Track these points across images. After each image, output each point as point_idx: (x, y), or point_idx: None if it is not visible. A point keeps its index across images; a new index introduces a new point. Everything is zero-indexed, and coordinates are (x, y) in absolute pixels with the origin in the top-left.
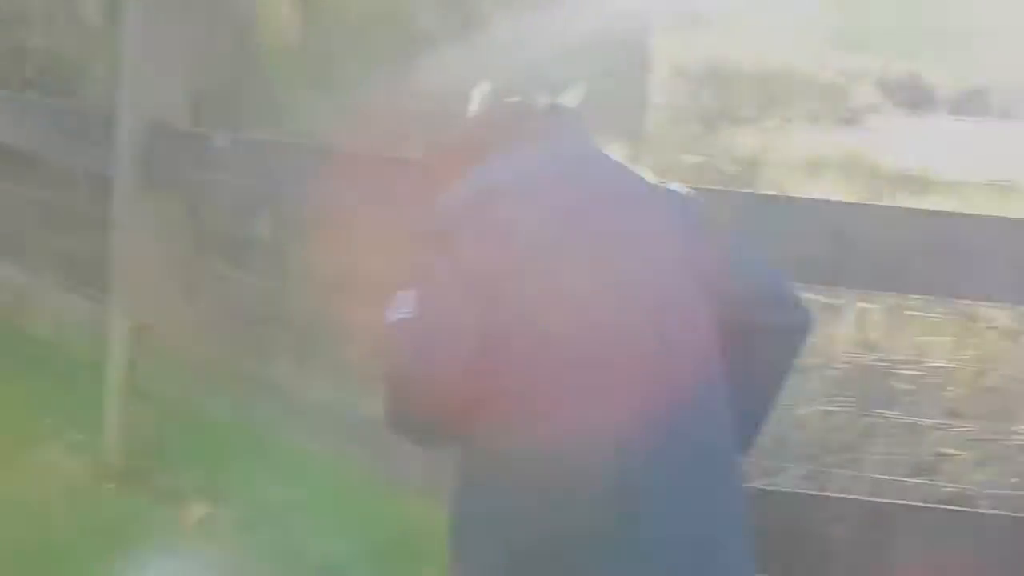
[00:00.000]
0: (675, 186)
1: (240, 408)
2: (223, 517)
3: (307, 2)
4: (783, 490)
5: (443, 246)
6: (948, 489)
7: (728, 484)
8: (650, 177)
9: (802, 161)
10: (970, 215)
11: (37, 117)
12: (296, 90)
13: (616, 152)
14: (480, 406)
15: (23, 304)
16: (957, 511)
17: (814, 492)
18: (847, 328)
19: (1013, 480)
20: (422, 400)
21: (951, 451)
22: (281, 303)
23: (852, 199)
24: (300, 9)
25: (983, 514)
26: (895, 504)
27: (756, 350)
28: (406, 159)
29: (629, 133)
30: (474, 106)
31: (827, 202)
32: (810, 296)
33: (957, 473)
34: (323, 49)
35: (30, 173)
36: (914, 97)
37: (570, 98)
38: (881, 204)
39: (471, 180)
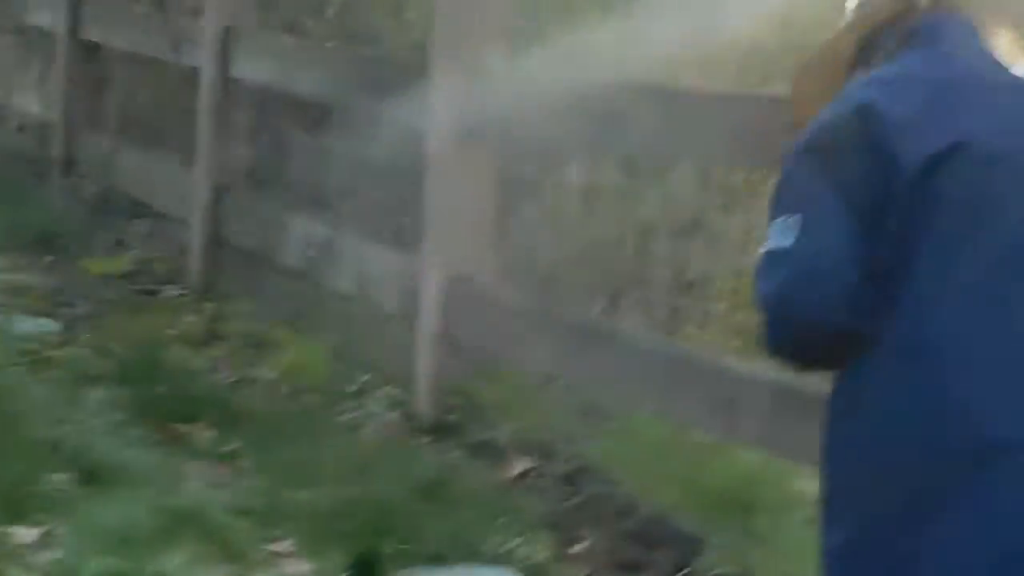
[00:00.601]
0: None
1: (554, 358)
2: (544, 471)
3: None
4: None
5: (826, 167)
6: None
7: None
8: None
9: None
10: None
11: (342, 67)
12: (607, 31)
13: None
14: (866, 340)
15: (327, 258)
16: None
17: None
18: None
19: None
20: (805, 333)
21: None
22: (595, 251)
23: None
24: None
25: None
26: None
27: None
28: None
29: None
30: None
31: None
32: None
33: None
34: None
35: (330, 125)
36: None
37: None
38: None
39: (850, 92)
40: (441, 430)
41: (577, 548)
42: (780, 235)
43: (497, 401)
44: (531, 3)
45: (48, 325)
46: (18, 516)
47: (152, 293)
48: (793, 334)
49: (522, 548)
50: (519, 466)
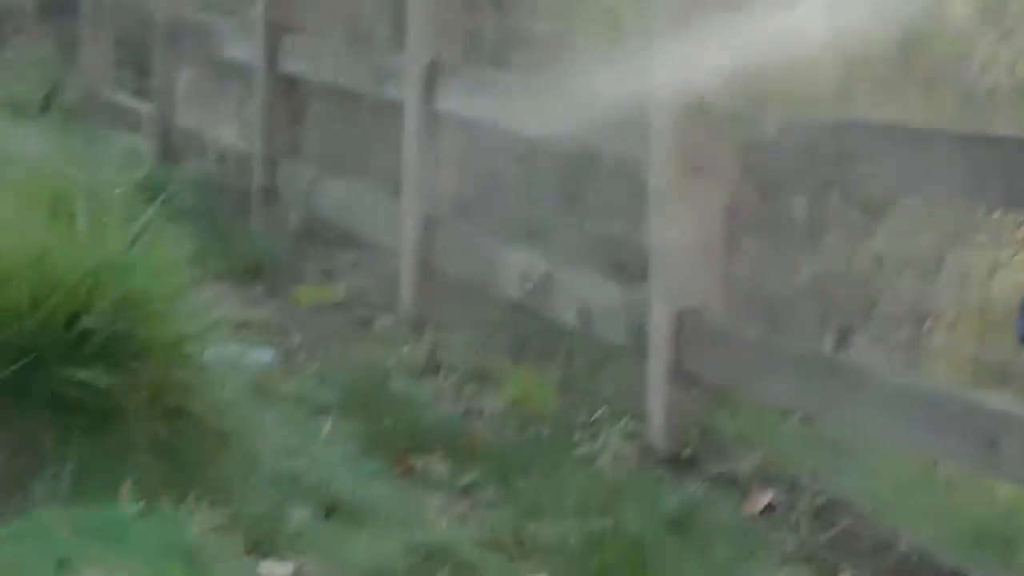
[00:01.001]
0: None
1: (794, 391)
2: (791, 505)
3: None
4: None
5: None
6: None
7: None
8: None
9: None
10: None
11: (554, 102)
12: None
13: None
14: None
15: (547, 290)
16: None
17: None
18: None
19: None
20: None
21: None
22: (827, 283)
23: None
24: None
25: None
26: None
27: None
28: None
29: None
30: None
31: None
32: None
33: None
34: None
35: (544, 158)
36: None
37: None
38: None
39: None
40: (677, 463)
41: None
42: None
43: (735, 434)
44: (752, 40)
45: (268, 356)
46: (266, 552)
47: (365, 323)
48: None
49: None
50: (763, 500)
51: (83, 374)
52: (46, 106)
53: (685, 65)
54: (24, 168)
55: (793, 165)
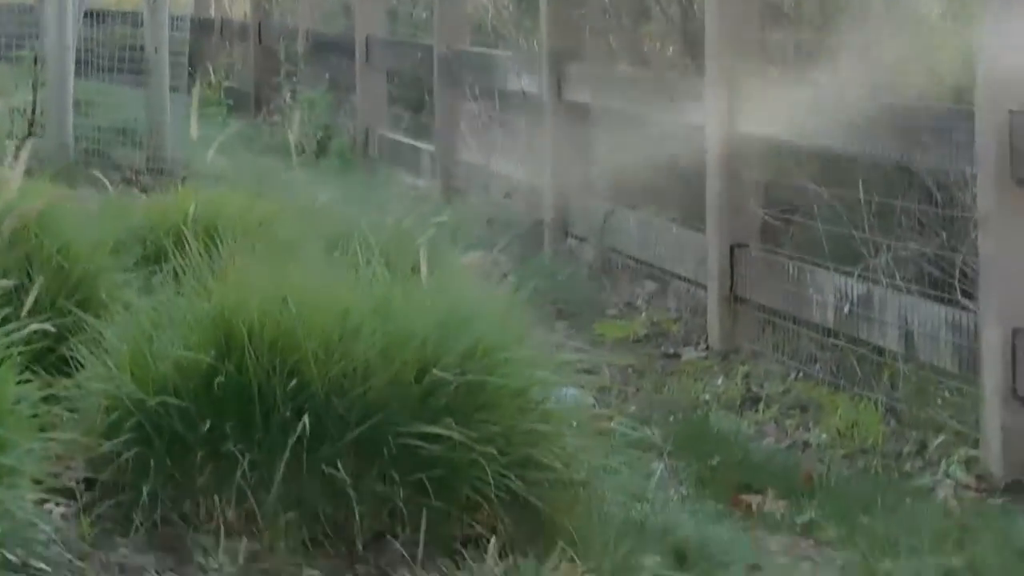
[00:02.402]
0: None
1: None
2: None
3: None
4: None
5: None
6: None
7: None
8: None
9: None
10: None
11: (863, 117)
12: None
13: None
14: None
15: (866, 313)
16: None
17: None
18: None
19: None
20: None
21: None
22: None
23: None
24: None
25: None
26: None
27: None
28: None
29: None
30: None
31: None
32: None
33: None
34: None
35: (852, 175)
36: None
37: None
38: None
39: None
40: (1019, 490)
41: None
42: None
43: None
44: None
45: (584, 396)
46: None
47: (673, 356)
48: None
49: None
50: None
51: (434, 428)
52: (322, 150)
53: (1011, 67)
54: (329, 218)
55: None
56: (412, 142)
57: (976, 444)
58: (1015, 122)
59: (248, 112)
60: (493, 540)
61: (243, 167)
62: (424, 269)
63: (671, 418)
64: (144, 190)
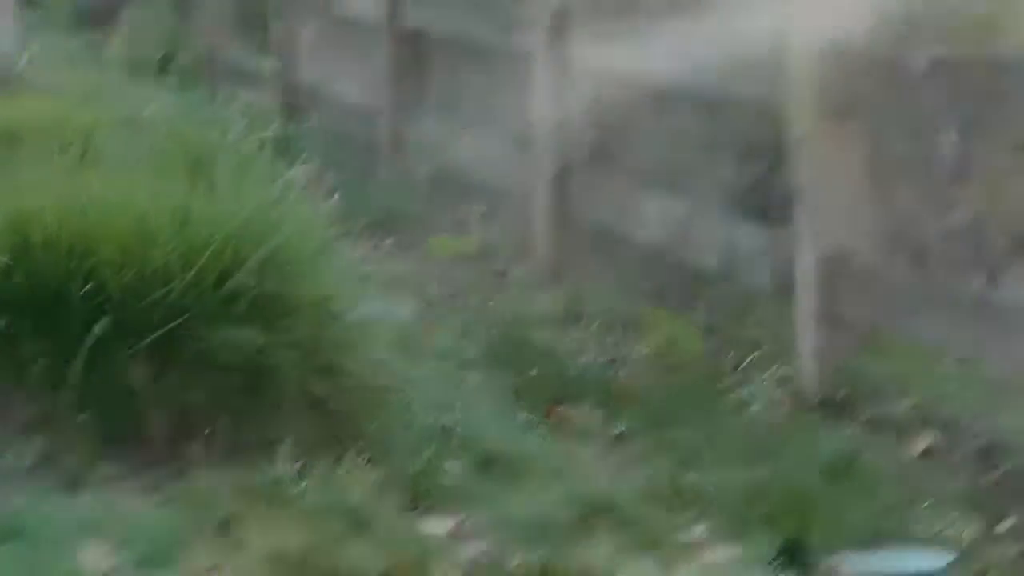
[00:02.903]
0: None
1: (947, 331)
2: (951, 447)
3: None
4: None
5: None
6: None
7: None
8: None
9: None
10: None
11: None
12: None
13: None
14: None
15: (687, 235)
16: None
17: None
18: None
19: None
20: None
21: None
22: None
23: None
24: None
25: None
26: None
27: None
28: None
29: None
30: None
31: None
32: None
33: None
34: None
35: (679, 104)
36: None
37: None
38: None
39: None
40: (830, 407)
41: (1004, 526)
42: None
43: (889, 376)
44: None
45: (408, 310)
46: (426, 508)
47: (501, 274)
48: None
49: (946, 528)
50: (922, 442)
51: (235, 334)
52: (165, 66)
53: (826, 4)
54: (154, 130)
55: (934, 103)
56: (253, 61)
57: (791, 363)
58: (827, 52)
59: (94, 27)
60: (286, 441)
61: (79, 80)
62: (225, 178)
63: (493, 334)
64: None
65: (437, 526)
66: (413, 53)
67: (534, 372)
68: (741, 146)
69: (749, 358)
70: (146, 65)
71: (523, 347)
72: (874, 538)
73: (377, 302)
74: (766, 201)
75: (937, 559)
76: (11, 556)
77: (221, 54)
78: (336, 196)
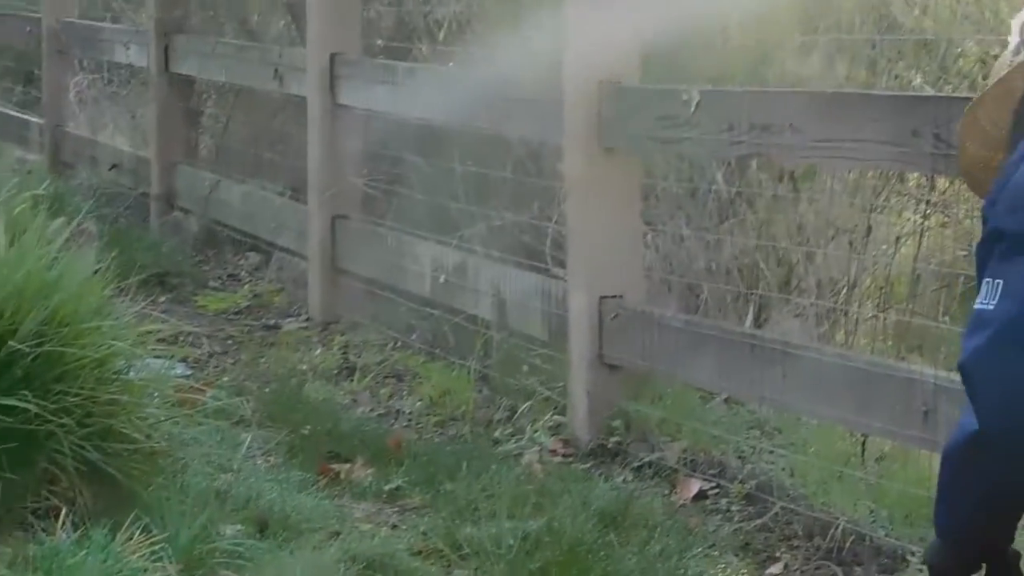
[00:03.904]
0: None
1: (717, 372)
2: (721, 491)
3: None
4: None
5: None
6: None
7: None
8: None
9: None
10: None
11: (461, 90)
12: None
13: None
14: None
15: (460, 282)
16: None
17: None
18: None
19: None
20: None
21: None
22: (741, 260)
23: None
24: None
25: None
26: None
27: None
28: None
29: None
30: (1015, 40)
31: None
32: None
33: None
34: None
35: (449, 148)
36: None
37: None
38: None
39: None
40: (603, 454)
41: (773, 569)
42: (985, 296)
43: (660, 421)
44: (665, 12)
45: (178, 367)
46: (205, 574)
47: (273, 328)
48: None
49: (718, 574)
50: (693, 488)
51: (10, 400)
52: None
53: (597, 40)
54: None
55: (711, 139)
56: (20, 115)
57: (564, 410)
58: (603, 92)
59: None
60: (64, 511)
61: None
62: (1, 240)
63: (266, 388)
64: None
65: None
66: (183, 102)
67: (307, 429)
68: (514, 188)
69: (523, 407)
70: None
71: (296, 403)
72: None
73: (152, 361)
74: (540, 245)
75: None
76: None
77: None
78: (109, 253)
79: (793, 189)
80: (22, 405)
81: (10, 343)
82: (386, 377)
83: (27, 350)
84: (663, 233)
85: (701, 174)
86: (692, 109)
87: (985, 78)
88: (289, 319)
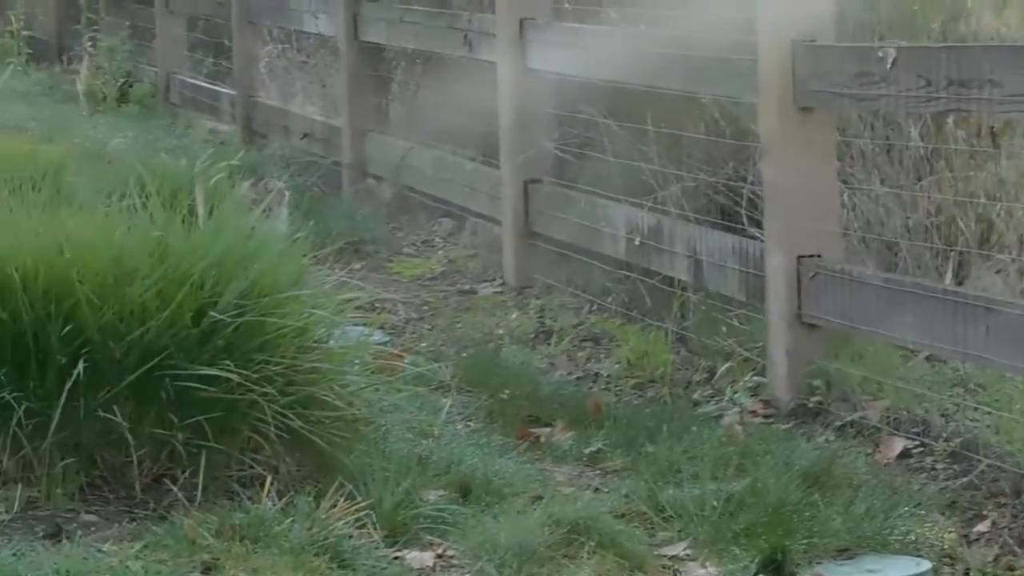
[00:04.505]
0: None
1: (918, 330)
2: (926, 450)
3: None
4: None
5: None
6: None
7: None
8: None
9: None
10: None
11: (651, 47)
12: None
13: None
14: None
15: (656, 244)
16: None
17: None
18: None
19: None
20: None
21: None
22: (945, 215)
23: None
24: None
25: None
26: None
27: None
28: None
29: None
30: None
31: None
32: None
33: None
34: None
35: (640, 110)
36: None
37: None
38: None
39: None
40: (804, 414)
41: (980, 527)
42: None
43: (861, 380)
44: None
45: (376, 335)
46: (408, 540)
47: (469, 293)
48: None
49: (925, 533)
50: (897, 446)
51: (212, 370)
52: (124, 97)
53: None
54: (121, 162)
55: (908, 95)
56: (212, 86)
57: (763, 371)
58: (797, 50)
59: (49, 61)
60: (268, 479)
61: (40, 115)
62: (201, 211)
63: (463, 354)
64: None
65: (420, 558)
66: (373, 70)
67: (506, 393)
68: (707, 149)
69: (721, 368)
70: (105, 96)
71: (494, 367)
72: (853, 547)
73: (351, 328)
74: (735, 205)
75: (916, 566)
76: None
77: (180, 80)
78: (305, 222)
79: (992, 144)
80: (225, 375)
81: (211, 314)
82: (583, 340)
83: (228, 320)
84: (859, 191)
85: (897, 131)
86: (888, 66)
87: None
88: (484, 284)
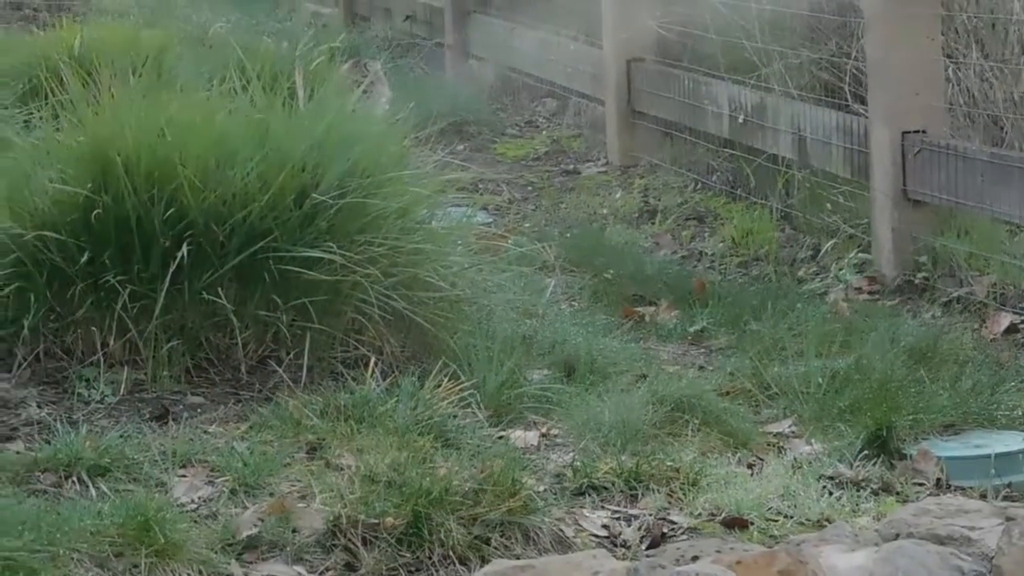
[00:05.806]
0: None
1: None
2: None
3: None
4: None
5: None
6: None
7: None
8: None
9: None
10: None
11: None
12: None
13: None
14: None
15: (759, 122)
16: None
17: None
18: None
19: None
20: None
21: None
22: None
23: None
24: None
25: None
26: None
27: None
28: None
29: None
30: None
31: None
32: None
33: None
34: None
35: None
36: None
37: None
38: None
39: None
40: (909, 290)
41: None
42: None
43: (967, 256)
44: None
45: (480, 215)
46: (513, 420)
47: (573, 173)
48: None
49: None
50: (1004, 321)
51: (316, 252)
52: None
53: None
54: (223, 46)
55: None
56: None
57: (868, 248)
58: None
59: None
60: (372, 360)
61: (143, 0)
62: (301, 93)
63: (567, 234)
64: (43, 27)
65: (524, 437)
66: None
67: (610, 273)
68: (811, 25)
69: (826, 245)
70: None
71: (598, 247)
72: (959, 423)
73: (454, 209)
74: (839, 81)
75: (1022, 441)
76: (105, 490)
77: None
78: (406, 103)
79: None
80: (327, 256)
81: (313, 195)
82: (687, 219)
83: (330, 202)
84: (964, 66)
85: (1001, 5)
86: None
87: None
88: (588, 164)
